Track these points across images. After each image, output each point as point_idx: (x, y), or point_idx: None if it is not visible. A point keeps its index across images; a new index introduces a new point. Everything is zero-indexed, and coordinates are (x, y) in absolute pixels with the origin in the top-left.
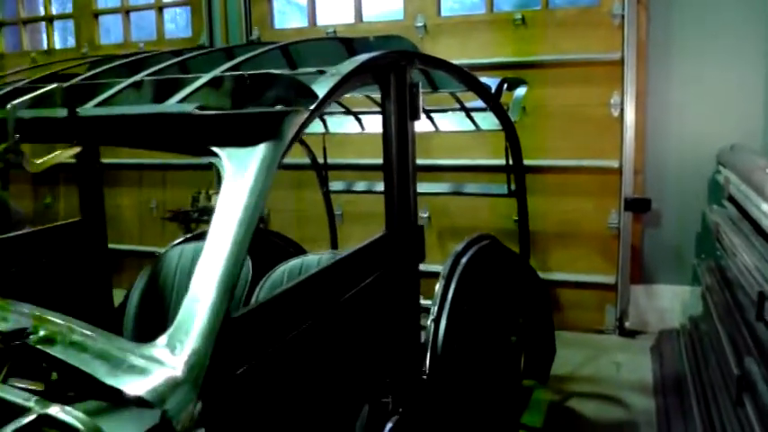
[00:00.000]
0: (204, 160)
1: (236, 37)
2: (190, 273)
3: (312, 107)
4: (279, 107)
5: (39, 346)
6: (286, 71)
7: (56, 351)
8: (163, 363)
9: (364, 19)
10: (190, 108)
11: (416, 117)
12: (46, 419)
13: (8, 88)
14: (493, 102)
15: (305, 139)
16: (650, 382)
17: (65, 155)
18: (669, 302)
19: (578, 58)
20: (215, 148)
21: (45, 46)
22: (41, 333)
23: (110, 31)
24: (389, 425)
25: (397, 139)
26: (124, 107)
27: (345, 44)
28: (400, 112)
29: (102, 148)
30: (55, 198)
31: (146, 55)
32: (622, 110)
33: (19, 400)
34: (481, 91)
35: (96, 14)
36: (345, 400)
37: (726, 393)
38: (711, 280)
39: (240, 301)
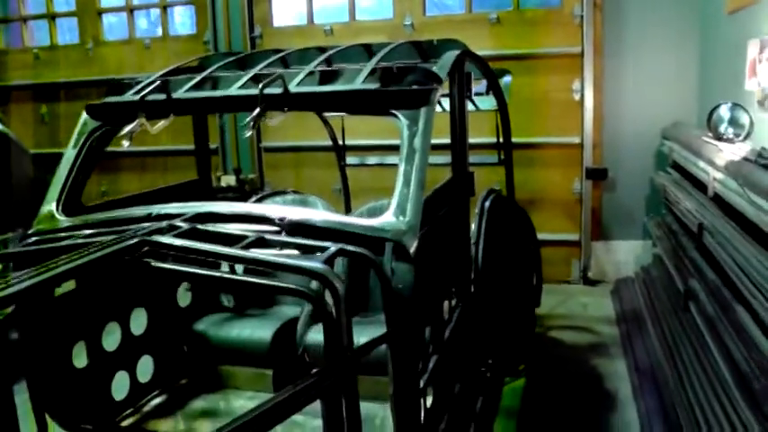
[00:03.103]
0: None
1: (239, 34)
2: None
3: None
4: (426, 86)
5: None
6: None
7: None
8: (395, 223)
9: (357, 18)
10: (375, 86)
11: (469, 97)
12: (341, 251)
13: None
14: (495, 86)
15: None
16: (613, 316)
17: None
18: (624, 255)
19: (544, 52)
20: (394, 111)
21: (45, 43)
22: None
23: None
24: (455, 313)
25: (459, 112)
26: (326, 86)
27: (416, 46)
28: (460, 93)
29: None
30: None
31: (252, 53)
32: (582, 94)
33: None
34: (492, 77)
35: (100, 12)
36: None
37: (674, 313)
38: (659, 232)
39: None
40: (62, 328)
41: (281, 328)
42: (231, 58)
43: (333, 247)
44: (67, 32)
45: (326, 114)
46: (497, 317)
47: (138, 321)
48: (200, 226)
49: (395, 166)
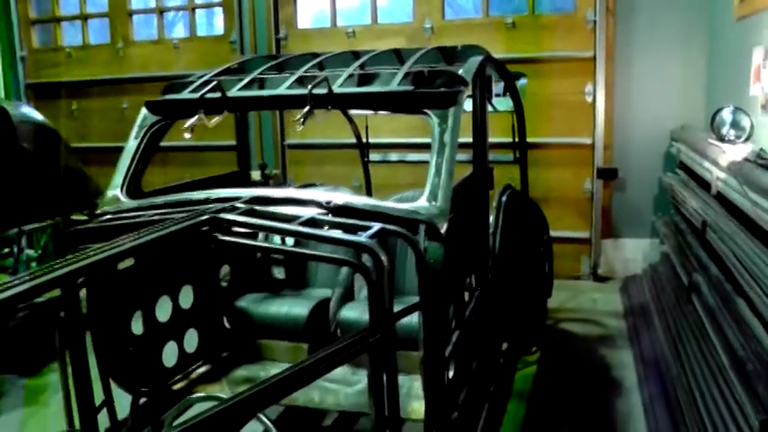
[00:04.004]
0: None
1: (263, 36)
2: None
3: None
4: (454, 88)
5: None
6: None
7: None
8: (428, 207)
9: (378, 21)
10: (410, 88)
11: (489, 99)
12: (383, 230)
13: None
14: (512, 89)
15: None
16: (621, 311)
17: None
18: (632, 253)
19: (558, 56)
20: (426, 110)
21: (75, 42)
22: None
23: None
24: (475, 295)
25: (480, 113)
26: (365, 87)
27: (441, 51)
28: (482, 95)
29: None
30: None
31: (288, 57)
32: (594, 97)
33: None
34: (509, 79)
35: (131, 14)
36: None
37: (678, 305)
38: (666, 230)
39: None
40: (124, 299)
41: (315, 306)
42: (273, 62)
43: (376, 226)
44: (98, 32)
45: (351, 113)
46: (512, 302)
47: (186, 297)
48: (257, 207)
49: (415, 163)
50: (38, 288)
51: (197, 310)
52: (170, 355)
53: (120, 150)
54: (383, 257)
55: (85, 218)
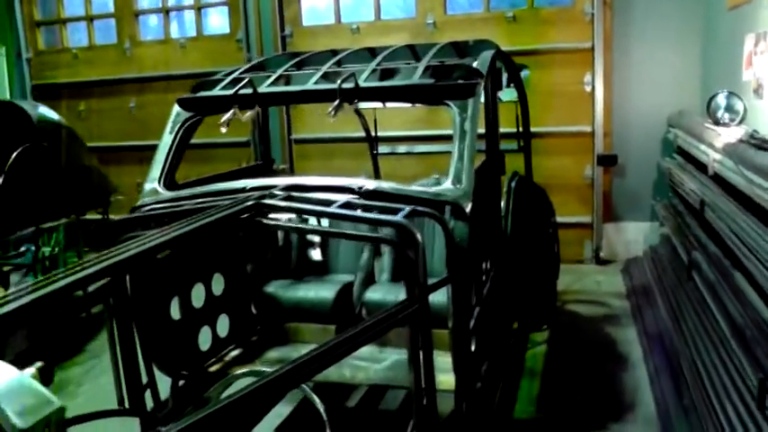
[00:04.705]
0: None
1: (269, 34)
2: None
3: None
4: (472, 80)
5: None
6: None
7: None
8: (453, 189)
9: (382, 17)
10: (431, 81)
11: (499, 88)
12: (414, 211)
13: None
14: (517, 80)
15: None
16: (624, 291)
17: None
18: (633, 236)
19: (558, 47)
20: (447, 101)
21: (81, 43)
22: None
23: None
24: (490, 276)
25: (492, 103)
26: (388, 81)
27: (454, 46)
28: (494, 87)
29: None
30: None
31: (308, 54)
32: (593, 86)
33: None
34: (515, 72)
35: (137, 14)
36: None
37: (679, 284)
38: (666, 212)
39: None
40: (163, 286)
41: (341, 289)
42: (294, 60)
43: (407, 208)
44: (104, 33)
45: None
46: (523, 282)
47: (217, 285)
48: (294, 194)
49: (422, 154)
50: (97, 274)
51: (228, 297)
52: (204, 340)
53: (129, 149)
54: (418, 235)
55: (99, 216)
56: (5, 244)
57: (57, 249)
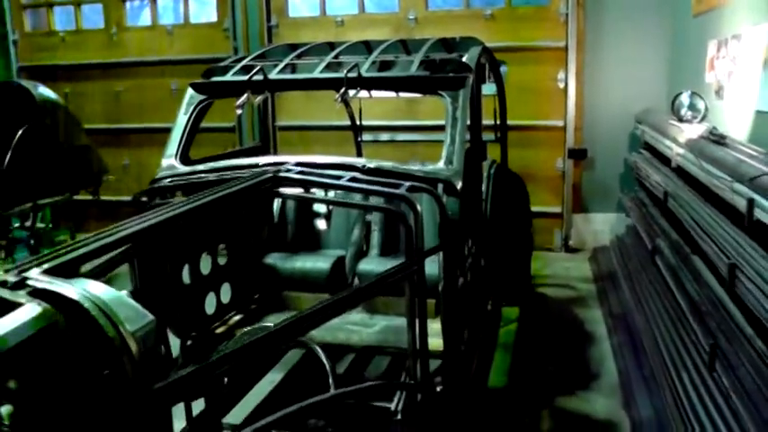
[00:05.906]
0: None
1: (256, 24)
2: None
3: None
4: (463, 73)
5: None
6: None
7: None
8: (446, 168)
9: (366, 11)
10: (426, 73)
11: (483, 81)
12: (413, 186)
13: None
14: (497, 75)
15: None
16: (591, 277)
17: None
18: (601, 226)
19: (533, 45)
20: (440, 92)
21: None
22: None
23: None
24: (471, 252)
25: (476, 94)
26: (387, 72)
27: (442, 42)
28: (479, 80)
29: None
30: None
31: (307, 46)
32: (566, 83)
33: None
34: (496, 67)
35: (124, 0)
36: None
37: (642, 269)
38: (632, 204)
39: None
40: (176, 253)
41: (335, 262)
42: (297, 51)
43: (407, 183)
44: (90, 18)
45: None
46: (501, 259)
47: (221, 254)
48: (304, 169)
49: (404, 142)
50: (143, 232)
51: (231, 266)
52: (210, 304)
53: (114, 132)
54: (418, 206)
55: (89, 197)
56: (6, 219)
57: (49, 226)
